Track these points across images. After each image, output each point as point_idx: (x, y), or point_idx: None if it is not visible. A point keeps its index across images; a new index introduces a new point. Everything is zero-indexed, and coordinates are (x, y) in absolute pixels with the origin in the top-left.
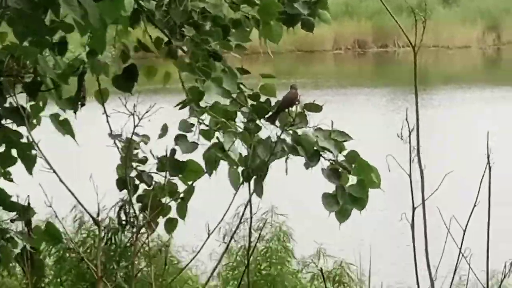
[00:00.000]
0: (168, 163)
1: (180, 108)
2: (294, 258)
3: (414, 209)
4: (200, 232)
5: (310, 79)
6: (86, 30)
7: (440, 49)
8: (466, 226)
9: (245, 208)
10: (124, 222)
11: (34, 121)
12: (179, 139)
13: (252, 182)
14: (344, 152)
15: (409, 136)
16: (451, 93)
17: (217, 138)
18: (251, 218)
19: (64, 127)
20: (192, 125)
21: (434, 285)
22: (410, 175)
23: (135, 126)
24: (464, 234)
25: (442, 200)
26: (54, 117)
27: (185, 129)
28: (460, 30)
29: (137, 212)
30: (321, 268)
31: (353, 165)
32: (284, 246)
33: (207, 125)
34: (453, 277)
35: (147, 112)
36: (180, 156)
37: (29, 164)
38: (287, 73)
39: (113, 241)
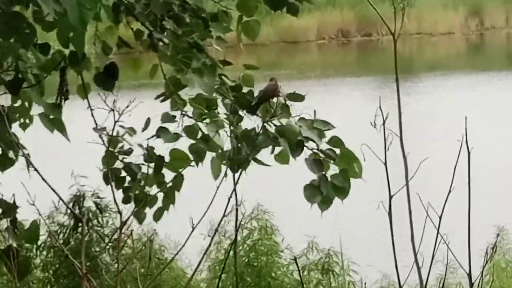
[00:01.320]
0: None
1: (162, 101)
2: (281, 252)
3: (391, 197)
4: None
5: (295, 69)
6: (68, 31)
7: (423, 36)
8: (442, 211)
9: (229, 200)
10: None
11: (27, 120)
12: (161, 131)
13: (236, 173)
14: (327, 139)
15: (383, 125)
16: (435, 79)
17: (201, 131)
18: (237, 209)
19: (55, 125)
20: (174, 117)
21: (420, 272)
22: (385, 164)
23: (115, 122)
24: (440, 219)
25: (425, 187)
26: (44, 116)
27: (167, 121)
28: (442, 16)
29: (119, 206)
30: (295, 257)
31: (336, 152)
32: (271, 239)
33: (190, 117)
34: (431, 262)
35: (127, 107)
36: (164, 147)
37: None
38: (271, 64)
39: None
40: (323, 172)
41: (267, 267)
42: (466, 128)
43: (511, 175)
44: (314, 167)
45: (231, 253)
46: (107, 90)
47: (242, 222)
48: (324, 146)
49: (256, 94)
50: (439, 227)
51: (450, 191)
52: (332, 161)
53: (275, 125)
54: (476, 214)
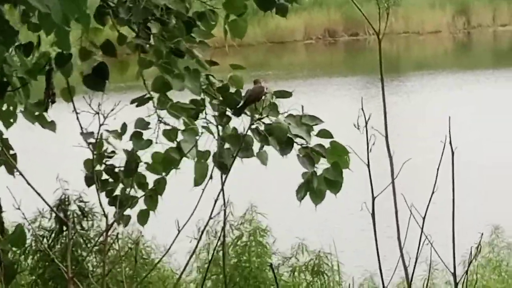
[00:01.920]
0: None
1: (137, 105)
2: (273, 254)
3: (374, 198)
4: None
5: (282, 70)
6: (51, 29)
7: (410, 35)
8: (426, 212)
9: (215, 201)
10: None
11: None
12: (134, 136)
13: (224, 174)
14: (315, 132)
15: (366, 126)
16: (423, 78)
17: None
18: (224, 210)
19: (37, 119)
20: (148, 123)
21: (408, 272)
22: (368, 165)
23: (100, 125)
24: (424, 220)
25: (413, 186)
26: (27, 112)
27: (141, 127)
28: (430, 15)
29: (104, 210)
30: (271, 264)
31: (325, 147)
32: (262, 242)
33: (166, 124)
34: (416, 261)
35: (112, 110)
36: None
37: None
38: (259, 65)
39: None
40: (315, 169)
41: (258, 269)
42: (449, 128)
43: (497, 170)
44: (306, 163)
45: (219, 254)
46: (98, 91)
47: (234, 223)
48: (314, 140)
49: (243, 94)
50: (423, 227)
51: (433, 192)
52: (322, 156)
53: (264, 123)
54: (465, 210)
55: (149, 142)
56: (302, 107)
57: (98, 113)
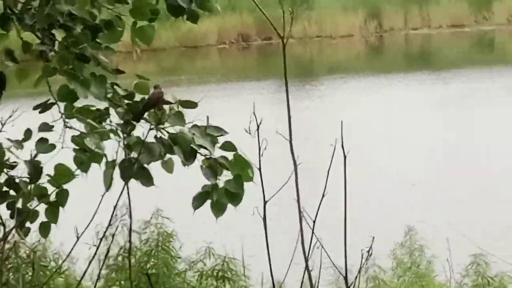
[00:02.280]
0: (29, 168)
1: (40, 112)
2: (179, 258)
3: (265, 202)
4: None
5: (195, 75)
6: None
7: (323, 39)
8: (316, 215)
9: (114, 208)
10: None
11: None
12: (41, 141)
13: (127, 182)
14: (219, 144)
15: (257, 130)
16: (335, 82)
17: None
18: (130, 215)
19: None
20: (52, 127)
21: (311, 275)
22: (260, 169)
23: None
24: (314, 223)
25: (316, 192)
26: None
27: (44, 131)
28: (342, 19)
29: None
30: (147, 273)
31: (229, 159)
32: (168, 247)
33: (70, 127)
34: (306, 265)
35: (10, 117)
36: (52, 160)
37: None
38: (171, 69)
39: None
40: (217, 180)
41: (164, 275)
42: (342, 132)
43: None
44: (209, 175)
45: (119, 258)
46: None
47: (141, 228)
48: (218, 151)
49: None
50: (313, 229)
51: (323, 195)
52: (226, 168)
53: (168, 132)
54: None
55: (52, 146)
56: (207, 117)
57: None
